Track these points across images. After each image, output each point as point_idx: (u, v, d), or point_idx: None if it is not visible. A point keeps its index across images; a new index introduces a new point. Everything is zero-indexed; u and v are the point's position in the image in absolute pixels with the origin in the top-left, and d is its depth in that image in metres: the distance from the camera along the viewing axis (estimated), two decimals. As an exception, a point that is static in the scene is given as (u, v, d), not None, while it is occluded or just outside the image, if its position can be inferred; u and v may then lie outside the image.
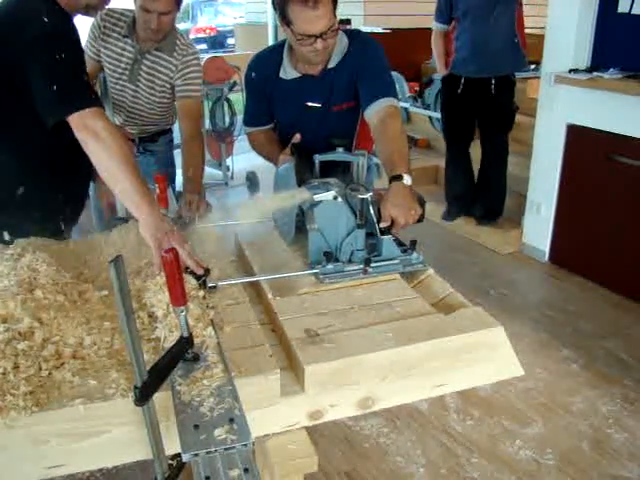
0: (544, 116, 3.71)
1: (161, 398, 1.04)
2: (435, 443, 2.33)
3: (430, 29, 4.18)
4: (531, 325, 3.14)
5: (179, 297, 1.08)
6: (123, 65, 2.29)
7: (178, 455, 0.98)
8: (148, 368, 0.98)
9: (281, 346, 1.29)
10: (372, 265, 1.50)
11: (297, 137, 1.92)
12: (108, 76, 2.36)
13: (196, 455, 0.93)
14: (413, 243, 1.58)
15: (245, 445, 0.94)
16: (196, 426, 0.98)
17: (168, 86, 2.33)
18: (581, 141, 3.52)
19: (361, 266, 1.50)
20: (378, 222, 1.55)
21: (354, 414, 1.24)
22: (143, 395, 0.95)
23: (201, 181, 2.21)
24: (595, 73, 3.35)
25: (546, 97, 3.67)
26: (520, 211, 4.11)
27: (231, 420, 0.99)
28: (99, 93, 2.38)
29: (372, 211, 1.54)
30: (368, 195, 1.51)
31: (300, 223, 1.63)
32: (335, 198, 1.52)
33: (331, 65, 1.95)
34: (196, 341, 1.16)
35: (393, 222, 1.55)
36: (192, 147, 2.27)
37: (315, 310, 1.36)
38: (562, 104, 3.56)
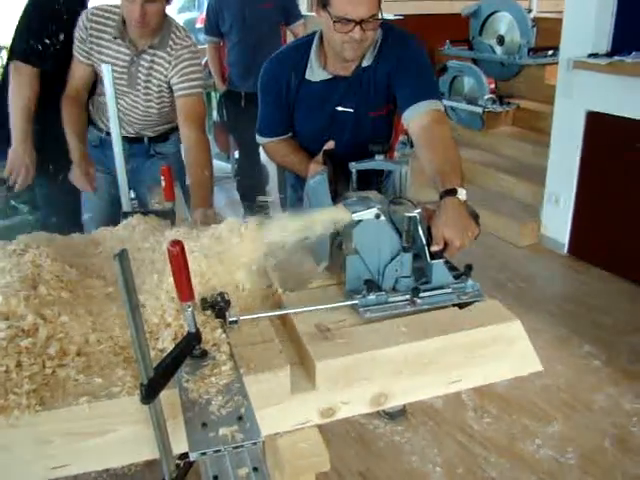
0: (562, 103, 3.68)
1: (168, 396, 1.03)
2: (451, 442, 2.32)
3: (443, 15, 4.15)
4: (550, 319, 3.12)
5: (186, 292, 1.08)
6: (119, 69, 2.09)
7: (186, 454, 0.97)
8: (154, 365, 0.98)
9: (291, 342, 1.29)
10: (421, 295, 1.34)
11: (330, 144, 1.79)
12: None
13: (204, 454, 0.93)
14: (469, 268, 1.41)
15: (254, 444, 0.94)
16: (204, 424, 0.98)
17: (165, 86, 2.14)
18: (601, 129, 3.48)
19: (407, 296, 1.34)
20: (428, 244, 1.39)
21: (367, 411, 1.24)
22: (149, 393, 0.95)
23: (210, 195, 1.99)
24: (616, 57, 3.30)
25: (564, 83, 3.63)
26: (538, 202, 4.08)
27: (240, 418, 0.98)
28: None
29: (421, 231, 1.38)
30: (416, 212, 1.36)
31: (336, 244, 1.48)
32: (378, 217, 1.37)
33: (365, 64, 1.81)
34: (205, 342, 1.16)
35: (446, 244, 1.39)
36: (197, 156, 2.04)
37: (324, 301, 1.35)
38: (581, 90, 3.52)
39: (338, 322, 1.28)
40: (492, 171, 4.66)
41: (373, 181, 1.87)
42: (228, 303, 1.25)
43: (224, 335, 1.21)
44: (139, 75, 2.13)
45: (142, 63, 2.11)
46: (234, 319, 1.24)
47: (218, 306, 1.24)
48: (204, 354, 1.14)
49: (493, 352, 1.28)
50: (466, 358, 1.27)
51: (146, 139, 2.33)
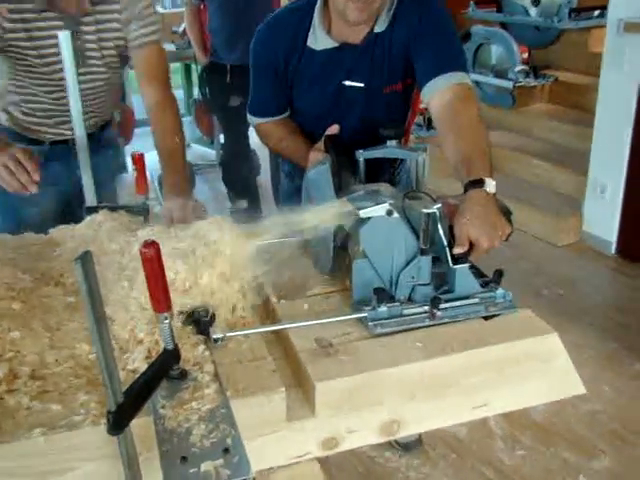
0: (610, 75, 3.67)
1: (140, 425, 1.03)
2: (478, 478, 2.32)
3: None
4: (595, 333, 3.12)
5: (162, 302, 1.07)
6: (56, 50, 1.91)
7: (162, 494, 0.98)
8: (124, 389, 0.97)
9: (287, 359, 1.30)
10: (441, 306, 1.33)
11: (334, 128, 1.77)
12: (26, 74, 2.01)
13: (183, 494, 0.93)
14: (499, 274, 1.40)
15: (243, 481, 0.95)
16: (184, 458, 0.97)
17: (122, 43, 2.03)
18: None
19: (425, 308, 1.33)
20: (450, 246, 1.38)
21: (377, 442, 1.24)
22: (118, 422, 0.94)
23: (183, 168, 1.92)
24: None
25: (613, 50, 3.62)
26: (580, 193, 4.08)
27: (226, 450, 0.98)
28: None
29: (441, 230, 1.38)
30: (436, 208, 1.35)
31: (340, 245, 1.47)
32: (389, 213, 1.35)
33: (378, 29, 1.80)
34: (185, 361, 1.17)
35: (472, 245, 1.38)
36: (165, 119, 1.97)
37: (326, 313, 1.36)
38: (633, 58, 3.51)
39: (342, 336, 1.29)
40: (525, 157, 4.67)
41: (384, 172, 1.88)
42: (212, 317, 1.25)
43: (207, 352, 1.21)
44: (87, 46, 2.00)
45: (86, 29, 1.98)
46: (219, 336, 1.24)
47: (200, 321, 1.24)
48: (183, 375, 1.14)
49: (526, 371, 1.29)
50: (494, 378, 1.27)
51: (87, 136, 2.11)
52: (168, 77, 2.09)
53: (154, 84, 2.01)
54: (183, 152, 1.97)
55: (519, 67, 4.94)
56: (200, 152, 5.47)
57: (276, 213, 1.39)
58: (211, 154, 5.31)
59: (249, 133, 4.10)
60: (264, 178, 4.71)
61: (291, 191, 2.15)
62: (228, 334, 1.25)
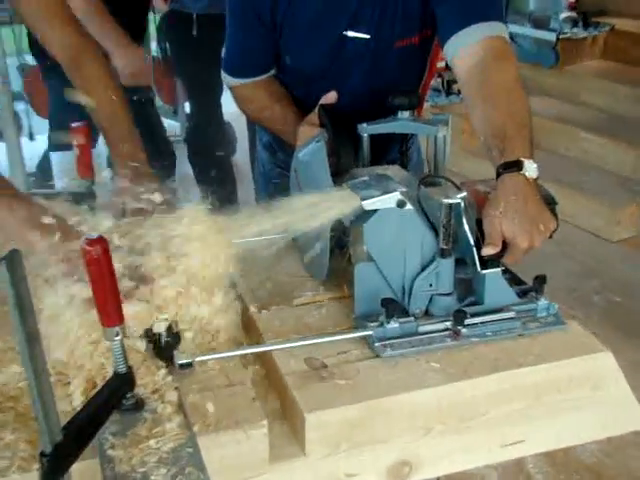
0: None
1: (83, 470, 1.03)
2: (512, 534, 2.33)
3: None
4: (660, 351, 3.13)
5: (111, 313, 1.07)
6: None
7: None
8: (63, 424, 0.97)
9: (270, 384, 1.30)
10: (467, 322, 1.32)
11: (331, 96, 1.76)
12: None
13: None
14: (541, 281, 1.39)
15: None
16: (139, 512, 0.98)
17: None
18: None
19: (447, 324, 1.32)
20: (478, 246, 1.36)
21: (384, 489, 1.22)
22: (55, 467, 0.94)
23: (130, 130, 1.82)
24: None
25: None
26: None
27: (193, 501, 0.99)
28: None
29: (467, 226, 1.36)
30: (460, 197, 1.33)
31: (338, 244, 1.47)
32: (401, 205, 1.33)
33: None
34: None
35: (506, 245, 1.37)
36: (90, 70, 1.84)
37: (320, 328, 1.36)
38: None
39: (338, 355, 1.29)
40: (571, 129, 4.67)
41: (394, 150, 1.87)
42: (177, 336, 1.24)
43: (170, 377, 1.21)
44: None
45: None
46: (186, 361, 1.22)
47: (161, 341, 1.24)
48: (139, 405, 1.14)
49: (572, 400, 1.29)
50: (531, 408, 1.27)
51: None
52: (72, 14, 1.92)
53: (64, 24, 1.84)
54: (125, 111, 1.84)
55: (564, 14, 4.91)
56: (161, 125, 5.46)
57: (257, 202, 1.38)
58: (174, 127, 5.30)
59: (221, 100, 4.09)
60: (241, 158, 4.70)
61: (270, 169, 2.15)
62: (198, 358, 1.23)
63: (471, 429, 1.25)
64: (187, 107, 4.71)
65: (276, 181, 2.16)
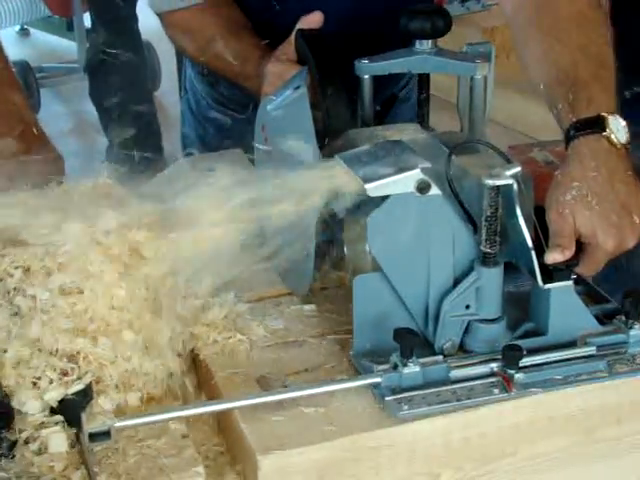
0: None
1: None
2: None
3: None
4: None
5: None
6: None
7: None
8: None
9: (211, 416, 1.16)
10: (524, 363, 1.08)
11: (314, 18, 1.52)
12: None
13: None
14: (635, 299, 1.15)
15: None
16: None
17: None
18: None
19: (494, 366, 1.09)
20: (540, 248, 1.12)
21: None
22: None
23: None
24: None
25: None
26: None
27: None
28: None
29: (521, 218, 1.11)
30: (512, 173, 1.08)
31: (328, 243, 1.26)
32: (423, 189, 1.08)
33: None
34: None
35: (581, 246, 1.13)
36: None
37: (282, 337, 1.22)
38: None
39: (306, 370, 1.15)
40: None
41: (408, 101, 1.63)
42: (88, 395, 1.05)
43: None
44: None
45: None
46: (102, 430, 1.00)
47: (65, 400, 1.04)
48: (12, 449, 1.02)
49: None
50: (580, 445, 1.11)
51: None
52: None
53: None
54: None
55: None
56: (49, 46, 5.04)
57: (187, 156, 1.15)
58: (69, 49, 4.89)
59: (138, 9, 3.75)
60: (167, 94, 4.29)
61: (207, 106, 1.89)
62: (118, 424, 1.02)
63: (494, 473, 1.08)
64: (87, 20, 4.31)
65: (216, 119, 1.90)
